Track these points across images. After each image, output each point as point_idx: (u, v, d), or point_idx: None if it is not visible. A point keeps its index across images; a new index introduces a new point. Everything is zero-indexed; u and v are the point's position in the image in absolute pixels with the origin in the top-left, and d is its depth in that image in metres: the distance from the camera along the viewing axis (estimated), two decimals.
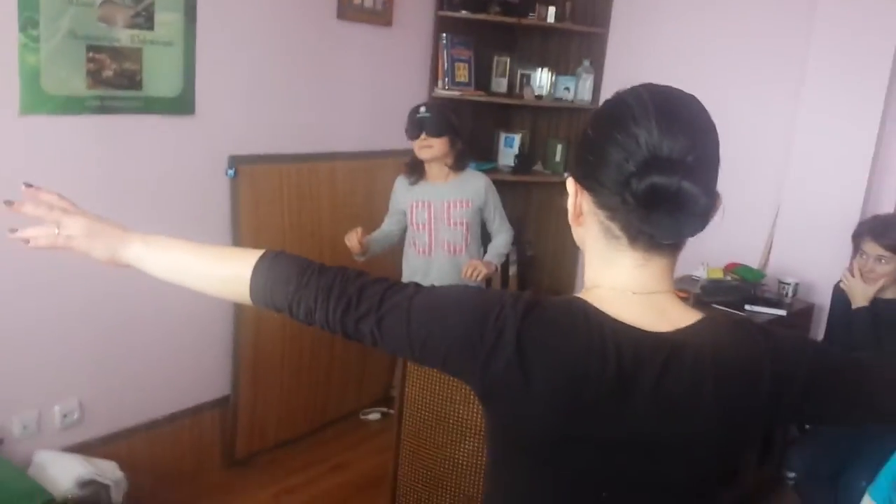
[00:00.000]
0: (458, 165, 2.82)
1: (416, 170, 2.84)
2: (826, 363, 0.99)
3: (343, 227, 3.35)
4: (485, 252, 2.92)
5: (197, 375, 2.98)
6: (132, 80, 2.48)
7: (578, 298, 0.96)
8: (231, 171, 2.86)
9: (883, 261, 2.52)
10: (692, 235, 0.91)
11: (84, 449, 2.59)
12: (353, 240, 2.70)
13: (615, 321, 0.92)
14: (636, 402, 0.90)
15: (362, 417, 3.64)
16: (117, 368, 2.70)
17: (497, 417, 0.98)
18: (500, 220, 2.91)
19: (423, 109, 2.74)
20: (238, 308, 2.99)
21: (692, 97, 0.94)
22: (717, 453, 0.95)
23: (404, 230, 2.93)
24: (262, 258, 1.03)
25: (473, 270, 2.67)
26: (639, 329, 0.92)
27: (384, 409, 3.68)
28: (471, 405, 2.27)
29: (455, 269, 2.81)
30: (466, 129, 2.97)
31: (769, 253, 3.31)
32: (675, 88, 0.95)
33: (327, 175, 3.28)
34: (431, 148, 2.74)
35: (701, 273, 3.19)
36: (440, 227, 2.80)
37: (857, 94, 3.08)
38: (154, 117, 2.59)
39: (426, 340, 0.94)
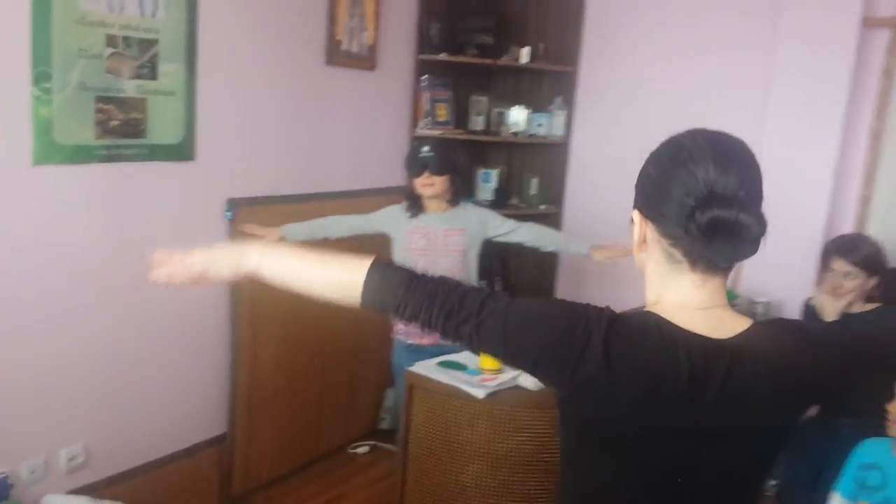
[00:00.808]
0: (455, 200, 2.94)
1: (415, 204, 2.92)
2: (852, 346, 1.24)
3: None
4: (491, 280, 3.02)
5: (195, 415, 3.04)
6: (137, 129, 2.58)
7: (650, 312, 1.11)
8: (229, 213, 2.96)
9: (850, 276, 2.70)
10: (746, 258, 1.06)
11: (90, 491, 2.64)
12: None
13: (684, 330, 1.07)
14: (706, 398, 1.05)
15: (350, 451, 3.70)
16: (120, 411, 2.75)
17: (580, 415, 1.12)
18: (514, 223, 3.00)
19: (426, 149, 2.84)
20: (235, 347, 3.07)
21: (739, 139, 1.11)
22: (769, 439, 1.13)
23: (355, 231, 3.03)
24: (374, 266, 1.17)
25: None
26: (704, 336, 1.07)
27: (372, 443, 3.75)
28: (475, 428, 2.37)
29: None
30: (463, 166, 3.10)
31: (740, 274, 3.51)
32: (723, 132, 1.11)
33: (317, 214, 3.37)
34: (434, 186, 2.84)
35: None
36: (437, 253, 2.89)
37: (818, 118, 3.32)
38: (157, 164, 2.68)
39: (520, 344, 1.09)
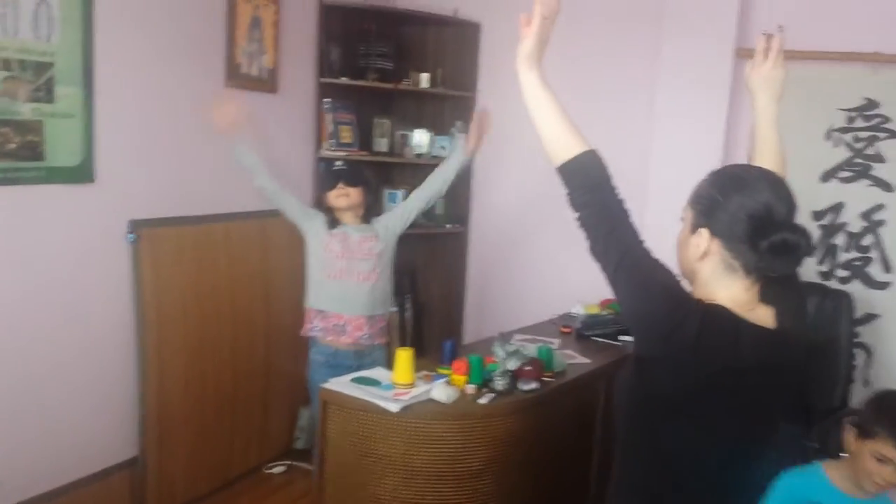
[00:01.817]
0: (368, 217, 3.01)
1: (330, 217, 2.96)
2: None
3: (240, 285, 3.46)
4: (402, 298, 3.10)
5: (104, 438, 2.96)
6: (34, 152, 2.51)
7: (719, 305, 1.34)
8: (132, 236, 2.91)
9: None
10: (794, 269, 1.36)
11: None
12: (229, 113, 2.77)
13: (742, 318, 1.33)
14: (756, 366, 1.32)
15: (266, 472, 3.67)
16: (26, 436, 2.67)
17: (657, 376, 1.34)
18: (403, 204, 3.08)
19: (339, 162, 2.97)
20: (142, 366, 3.02)
21: (776, 173, 1.39)
22: (791, 396, 1.42)
23: (281, 204, 2.98)
24: (587, 152, 1.43)
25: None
26: (753, 323, 1.33)
27: (288, 462, 3.73)
28: (390, 442, 2.41)
29: (367, 294, 2.95)
30: (374, 184, 3.18)
31: None
32: (767, 169, 1.41)
33: (223, 235, 3.37)
34: (348, 196, 2.89)
35: (579, 310, 3.52)
36: (353, 257, 2.93)
37: (700, 142, 3.58)
38: (56, 186, 2.63)
39: (637, 287, 1.36)
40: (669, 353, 1.30)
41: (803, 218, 3.47)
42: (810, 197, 3.56)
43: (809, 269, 3.56)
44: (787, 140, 3.76)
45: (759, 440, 1.41)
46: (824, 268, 3.56)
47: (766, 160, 1.64)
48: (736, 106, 3.63)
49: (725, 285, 1.35)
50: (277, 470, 3.69)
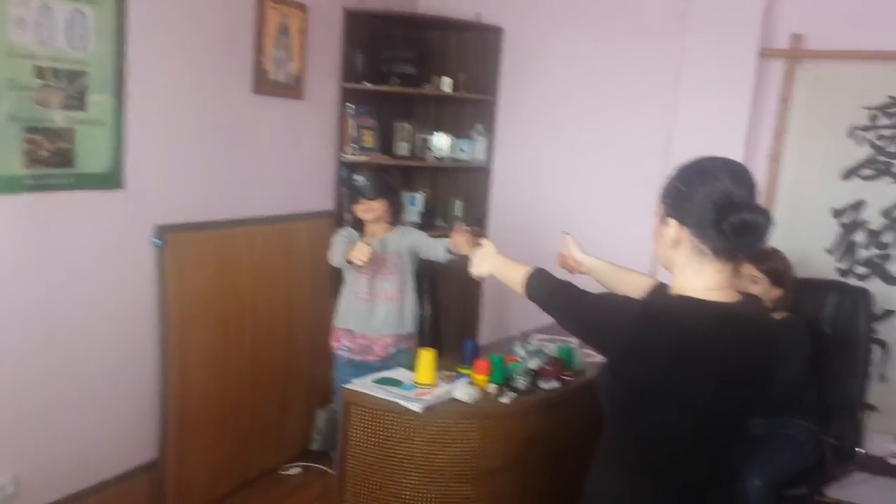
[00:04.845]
0: (397, 220, 3.09)
1: (357, 229, 3.05)
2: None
3: (263, 288, 3.51)
4: (420, 298, 3.14)
5: (125, 441, 3.01)
6: (66, 158, 2.58)
7: (682, 294, 1.47)
8: (158, 241, 2.97)
9: (756, 282, 2.95)
10: (758, 248, 1.47)
11: None
12: (364, 253, 2.74)
13: (712, 302, 1.43)
14: (723, 341, 1.42)
15: (282, 473, 3.70)
16: (49, 440, 2.71)
17: (626, 371, 1.45)
18: (432, 238, 3.03)
19: (358, 178, 3.00)
20: (164, 369, 3.07)
21: (740, 162, 1.47)
22: (765, 372, 1.51)
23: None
24: (532, 274, 1.74)
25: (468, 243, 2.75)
26: (723, 303, 1.44)
27: (304, 464, 3.76)
28: (412, 441, 2.45)
29: (394, 314, 3.01)
30: (398, 186, 3.21)
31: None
32: (728, 158, 1.47)
33: (246, 239, 3.43)
34: (373, 210, 2.98)
35: None
36: (377, 276, 3.00)
37: (721, 142, 3.55)
38: (86, 193, 2.68)
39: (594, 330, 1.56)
40: (631, 353, 1.43)
41: (822, 215, 3.52)
42: (831, 194, 3.56)
43: (829, 267, 3.56)
44: (810, 139, 3.77)
45: (736, 414, 1.50)
46: (843, 265, 3.56)
47: (633, 283, 1.88)
48: (758, 107, 3.63)
49: (698, 270, 1.46)
50: (294, 471, 3.72)
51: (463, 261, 2.90)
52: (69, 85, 2.55)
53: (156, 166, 2.95)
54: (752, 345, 1.46)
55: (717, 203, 1.40)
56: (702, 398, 1.42)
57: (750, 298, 1.54)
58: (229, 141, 3.29)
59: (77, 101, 2.59)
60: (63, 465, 2.77)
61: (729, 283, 1.48)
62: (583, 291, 1.58)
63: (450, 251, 2.82)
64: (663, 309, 1.47)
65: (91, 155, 2.67)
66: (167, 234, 3.01)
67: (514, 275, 1.78)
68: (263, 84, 3.39)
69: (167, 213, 3.02)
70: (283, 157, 3.61)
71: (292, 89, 3.57)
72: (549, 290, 1.66)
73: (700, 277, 1.46)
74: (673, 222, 1.48)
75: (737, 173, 1.43)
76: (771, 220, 1.41)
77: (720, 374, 1.42)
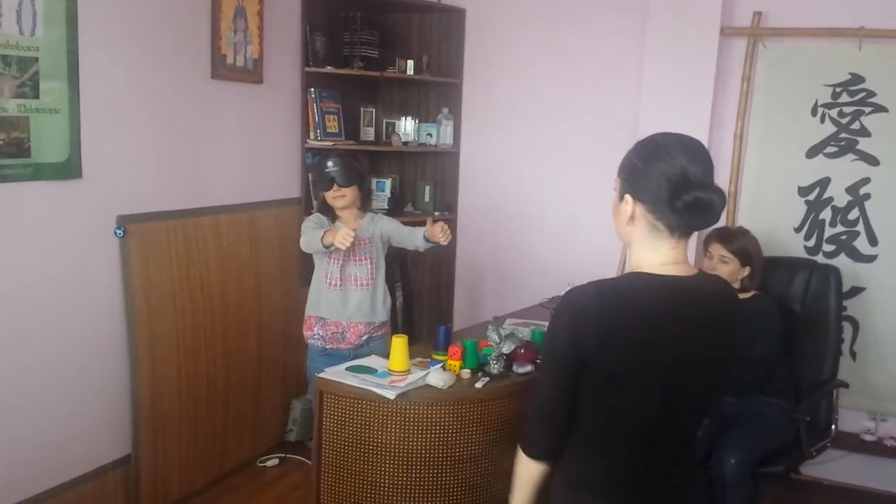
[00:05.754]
0: (366, 206, 3.07)
1: (328, 215, 3.02)
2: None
3: (231, 277, 3.45)
4: (392, 285, 3.11)
5: (97, 436, 2.95)
6: (21, 148, 2.49)
7: (635, 272, 1.48)
8: (120, 231, 2.89)
9: (725, 262, 2.98)
10: (713, 225, 1.49)
11: None
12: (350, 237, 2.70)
13: (666, 276, 1.45)
14: (678, 313, 1.44)
15: (259, 465, 3.67)
16: (18, 437, 2.64)
17: (597, 365, 1.43)
18: (408, 228, 3.00)
19: (330, 164, 2.92)
20: (133, 362, 3.00)
21: (695, 138, 1.47)
22: (725, 345, 1.52)
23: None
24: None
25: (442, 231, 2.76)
26: (677, 276, 1.46)
27: (281, 455, 3.73)
28: (387, 429, 2.43)
29: (367, 301, 2.98)
30: (367, 172, 3.16)
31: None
32: (684, 134, 1.47)
33: (212, 228, 3.36)
34: (345, 197, 2.94)
35: None
36: (349, 262, 2.96)
37: (687, 121, 3.51)
38: (43, 183, 2.60)
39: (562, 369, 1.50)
40: (601, 333, 1.41)
41: (788, 193, 3.54)
42: (796, 172, 3.59)
43: (797, 245, 3.59)
44: (774, 118, 3.79)
45: (700, 390, 1.50)
46: (811, 243, 3.59)
47: None
48: (722, 86, 3.65)
49: (652, 246, 1.48)
50: (271, 463, 3.69)
51: (439, 248, 2.94)
52: (21, 72, 2.46)
53: (114, 155, 2.87)
54: (708, 317, 1.47)
55: (672, 180, 1.40)
56: (663, 373, 1.42)
57: (708, 274, 1.57)
58: (189, 128, 3.21)
59: (30, 88, 2.49)
60: (33, 463, 2.70)
61: (684, 258, 1.49)
62: (543, 358, 1.61)
63: (427, 239, 2.83)
64: (619, 285, 1.48)
65: (47, 144, 2.58)
66: (129, 225, 2.93)
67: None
68: (221, 69, 3.30)
69: (129, 203, 2.94)
70: (245, 144, 3.53)
71: (251, 74, 3.49)
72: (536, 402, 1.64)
73: (655, 254, 1.47)
74: (629, 198, 1.48)
75: (692, 150, 1.43)
76: (724, 198, 1.43)
77: (677, 347, 1.43)
